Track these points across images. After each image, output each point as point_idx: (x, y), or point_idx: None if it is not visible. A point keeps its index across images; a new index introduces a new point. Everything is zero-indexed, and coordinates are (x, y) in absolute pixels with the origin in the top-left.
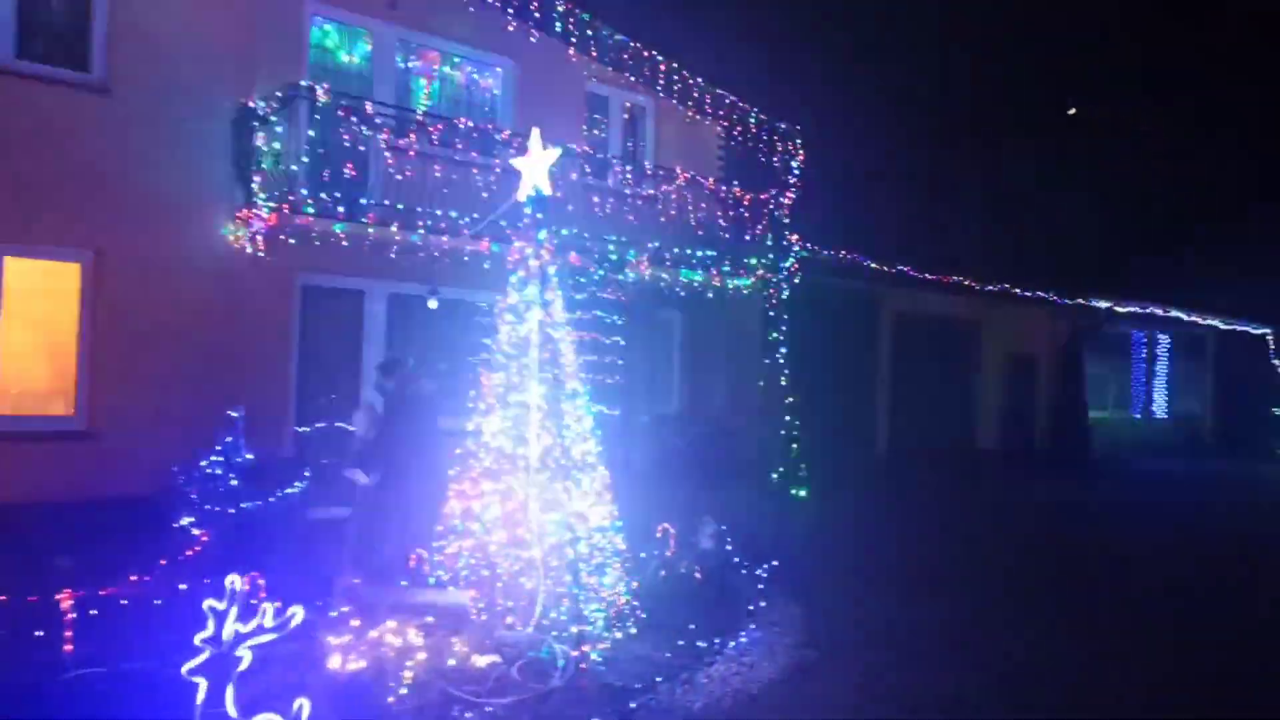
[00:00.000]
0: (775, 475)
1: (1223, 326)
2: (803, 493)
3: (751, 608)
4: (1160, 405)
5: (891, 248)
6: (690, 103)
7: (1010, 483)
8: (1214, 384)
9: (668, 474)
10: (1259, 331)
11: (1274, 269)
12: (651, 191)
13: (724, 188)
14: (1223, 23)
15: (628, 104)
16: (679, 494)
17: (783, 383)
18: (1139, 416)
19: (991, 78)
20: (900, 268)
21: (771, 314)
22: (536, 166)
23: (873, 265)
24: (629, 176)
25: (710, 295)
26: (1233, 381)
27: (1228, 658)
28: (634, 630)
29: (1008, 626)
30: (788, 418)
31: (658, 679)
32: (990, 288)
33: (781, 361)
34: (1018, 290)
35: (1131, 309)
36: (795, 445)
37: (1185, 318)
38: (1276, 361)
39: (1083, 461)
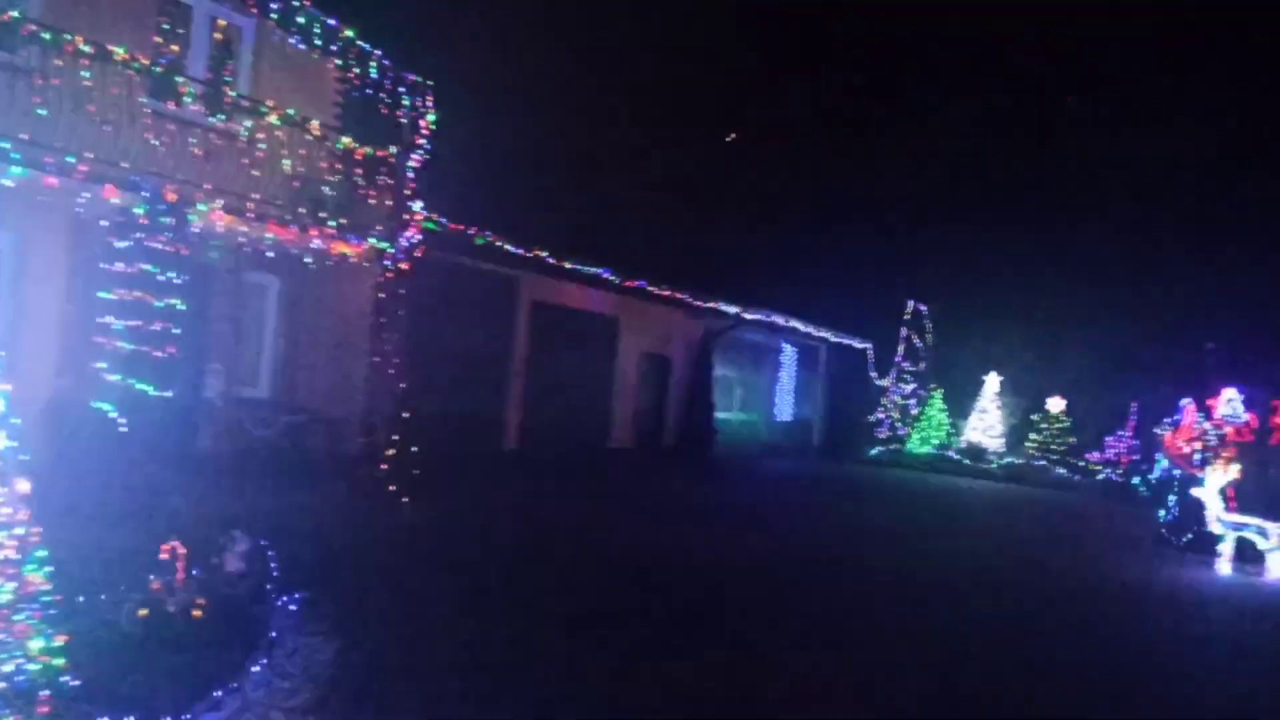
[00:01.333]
0: (378, 473)
1: (833, 339)
2: (405, 495)
3: (267, 650)
4: (783, 409)
5: (533, 232)
6: (296, 31)
7: (634, 482)
8: (824, 392)
9: (246, 470)
10: (861, 345)
11: (870, 288)
12: (237, 127)
13: (334, 137)
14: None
15: (220, 21)
16: (247, 496)
17: (394, 368)
18: (760, 420)
19: (653, 77)
20: (538, 252)
21: (386, 290)
22: None
23: (508, 248)
24: (202, 103)
25: (311, 263)
26: (839, 390)
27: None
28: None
29: (587, 647)
30: (401, 409)
31: None
32: (628, 284)
33: (395, 345)
34: (654, 289)
35: (758, 316)
36: (405, 440)
37: (802, 328)
38: (874, 373)
39: (705, 460)
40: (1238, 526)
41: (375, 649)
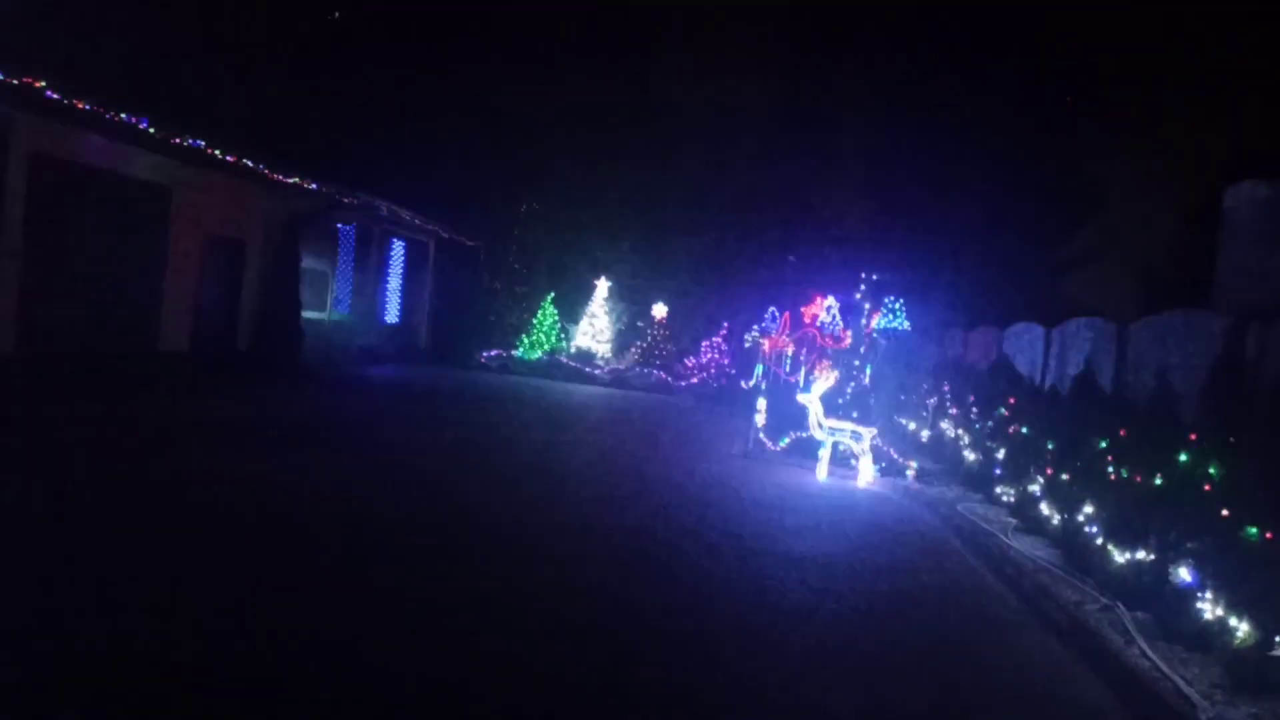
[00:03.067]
0: None
1: (443, 235)
2: None
3: None
4: (387, 310)
5: (38, 57)
6: None
7: (177, 397)
8: (433, 292)
9: None
10: (473, 244)
11: (483, 184)
12: None
13: None
14: None
15: None
16: None
17: None
18: (360, 321)
19: None
20: (35, 83)
21: None
22: None
23: None
24: None
25: None
26: (449, 291)
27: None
28: None
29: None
30: None
31: None
32: (179, 142)
33: None
34: (219, 153)
35: (357, 199)
36: None
37: (410, 219)
38: (485, 274)
39: (289, 368)
40: (834, 432)
41: None
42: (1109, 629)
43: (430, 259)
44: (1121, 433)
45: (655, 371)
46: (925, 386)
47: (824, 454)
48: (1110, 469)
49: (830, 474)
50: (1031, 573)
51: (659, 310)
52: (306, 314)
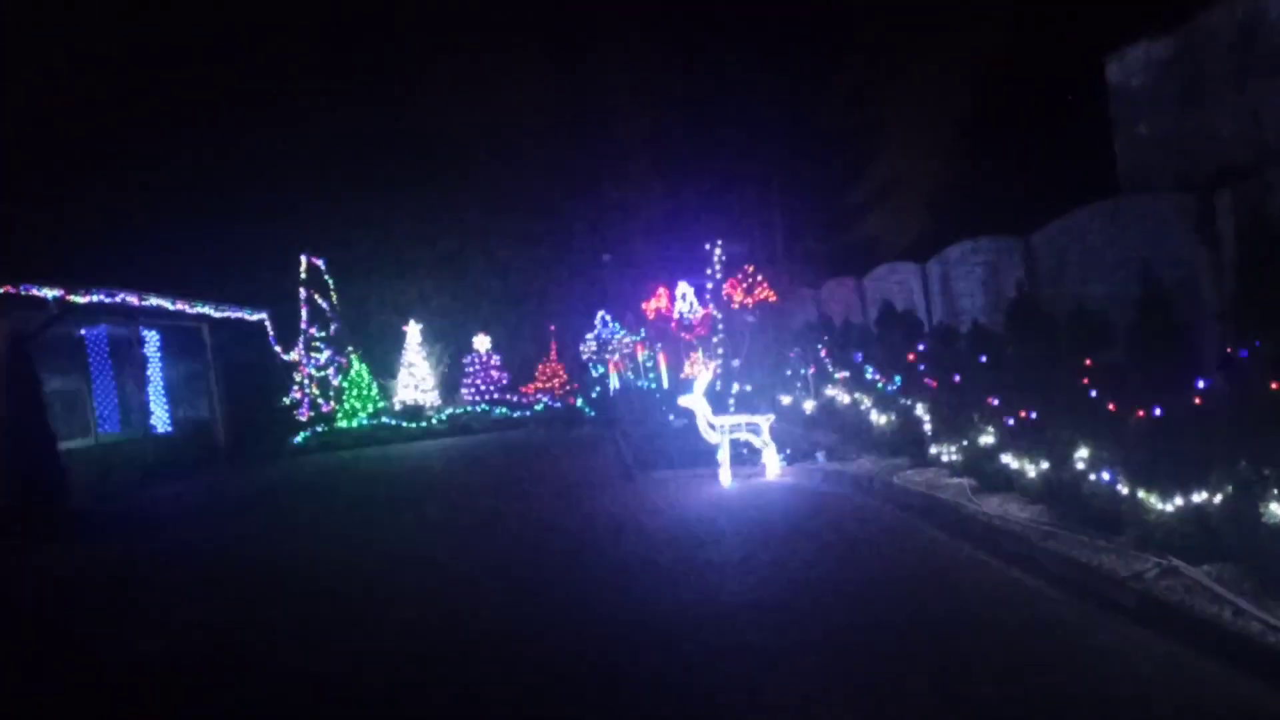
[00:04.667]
0: None
1: (216, 315)
2: None
3: None
4: (161, 416)
5: None
6: None
7: None
8: (219, 381)
9: None
10: (256, 317)
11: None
12: None
13: None
14: None
15: None
16: None
17: None
18: (139, 435)
19: None
20: None
21: None
22: None
23: None
24: None
25: None
26: (238, 375)
27: None
28: None
29: None
30: None
31: None
32: None
33: None
34: None
35: (95, 299)
36: None
37: (171, 306)
38: (278, 347)
39: (51, 518)
40: (729, 430)
41: None
42: (1195, 597)
43: (207, 345)
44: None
45: (494, 408)
46: (793, 354)
47: (723, 456)
48: (1107, 401)
49: (734, 476)
50: (1038, 542)
51: (481, 342)
52: (66, 444)
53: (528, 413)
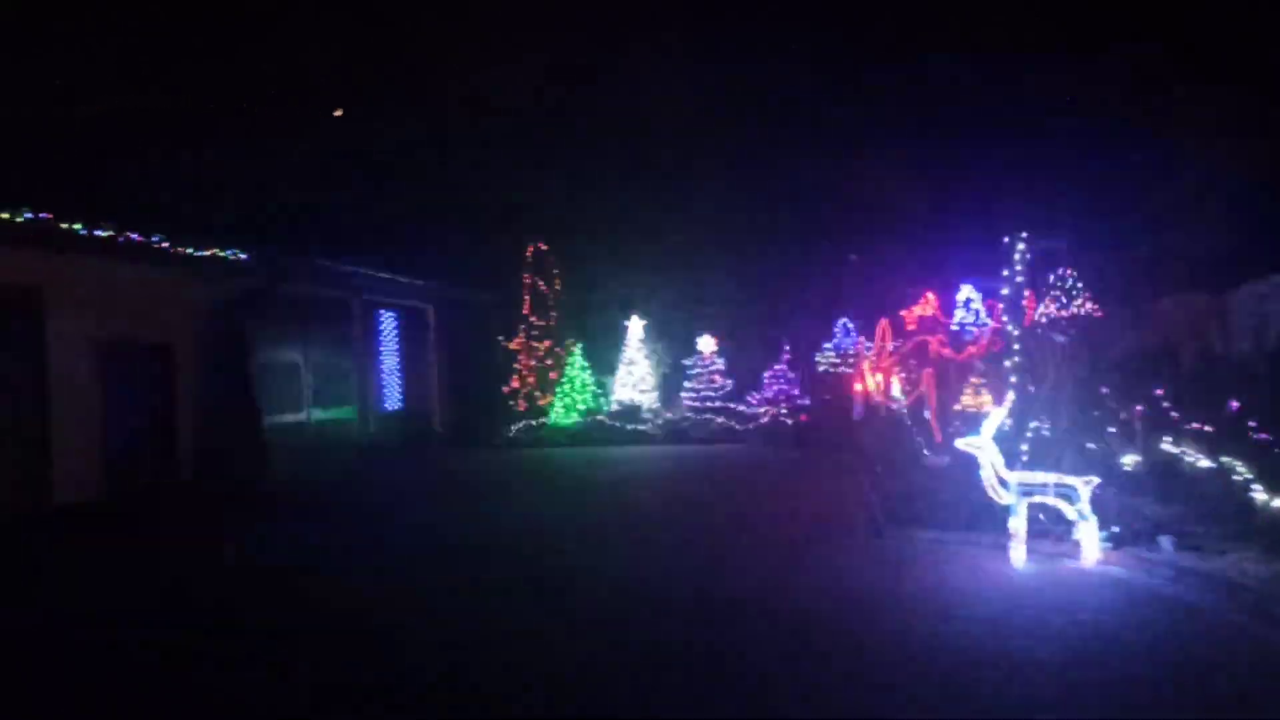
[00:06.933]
0: None
1: (441, 295)
2: None
3: None
4: (391, 395)
5: None
6: None
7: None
8: (441, 364)
9: None
10: (481, 301)
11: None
12: None
13: None
14: None
15: None
16: None
17: None
18: (354, 415)
19: None
20: None
21: None
22: None
23: None
24: None
25: None
26: (459, 360)
27: None
28: None
29: None
30: None
31: None
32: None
33: None
34: (100, 232)
35: (319, 264)
36: None
37: (398, 279)
38: (501, 337)
39: (252, 495)
40: (1029, 490)
41: None
42: None
43: (431, 326)
44: None
45: (715, 417)
46: (1105, 390)
47: (1018, 526)
48: None
49: (1030, 554)
50: None
51: (706, 344)
52: (276, 419)
53: (751, 425)
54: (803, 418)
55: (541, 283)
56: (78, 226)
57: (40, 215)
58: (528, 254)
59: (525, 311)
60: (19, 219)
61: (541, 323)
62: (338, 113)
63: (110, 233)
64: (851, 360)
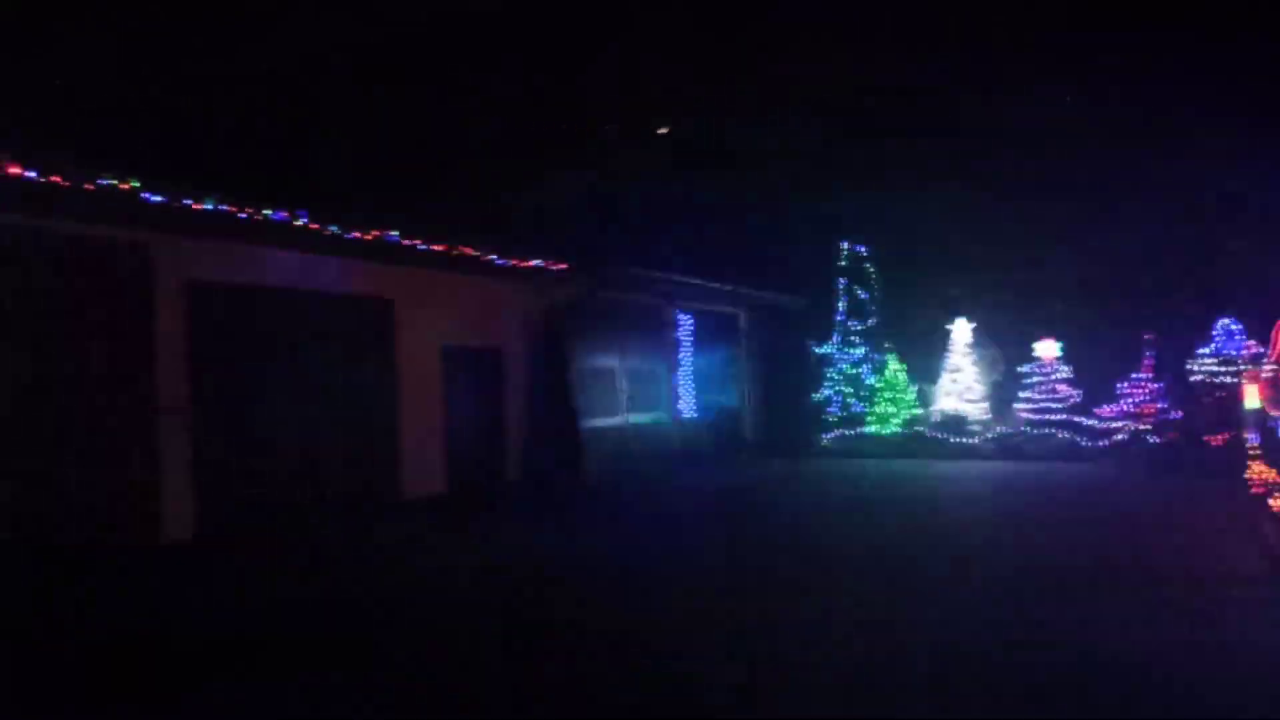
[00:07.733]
0: None
1: (752, 300)
2: None
3: None
4: (691, 402)
5: (176, 162)
6: None
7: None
8: (752, 370)
9: None
10: (793, 305)
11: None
12: None
13: None
14: None
15: None
16: None
17: None
18: (666, 419)
19: None
20: (189, 201)
21: None
22: None
23: (115, 184)
24: None
25: None
26: (771, 366)
27: None
28: None
29: None
30: None
31: None
32: (407, 241)
33: None
34: (464, 250)
35: (634, 272)
36: None
37: (709, 285)
38: (811, 342)
39: (570, 494)
40: None
41: None
42: None
43: (741, 331)
44: None
45: (1056, 432)
46: None
47: None
48: None
49: None
50: None
51: (1046, 349)
52: (594, 422)
53: (1102, 442)
54: (1171, 434)
55: (856, 285)
56: (418, 242)
57: (388, 233)
58: (841, 256)
59: (839, 316)
60: (368, 236)
61: (857, 327)
62: (663, 130)
63: (445, 246)
64: (1242, 368)
